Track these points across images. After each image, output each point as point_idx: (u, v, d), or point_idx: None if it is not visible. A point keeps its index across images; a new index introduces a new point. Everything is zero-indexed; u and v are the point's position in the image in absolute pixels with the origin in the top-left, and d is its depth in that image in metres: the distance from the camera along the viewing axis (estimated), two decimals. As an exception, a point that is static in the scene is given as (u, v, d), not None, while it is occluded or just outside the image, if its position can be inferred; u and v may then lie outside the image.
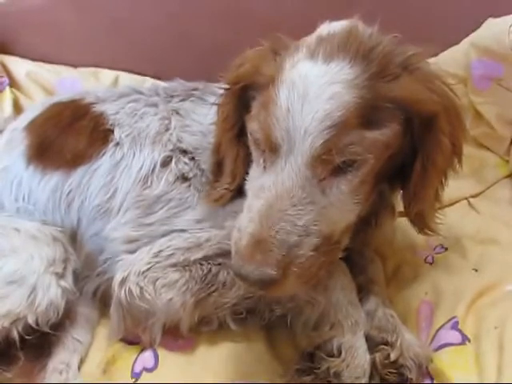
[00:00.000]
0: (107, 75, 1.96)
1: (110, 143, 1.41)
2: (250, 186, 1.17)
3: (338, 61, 1.04)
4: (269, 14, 1.92)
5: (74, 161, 1.40)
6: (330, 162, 1.02)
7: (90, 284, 1.45)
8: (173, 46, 1.99)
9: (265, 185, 1.06)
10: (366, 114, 1.02)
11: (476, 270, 1.41)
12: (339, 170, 1.04)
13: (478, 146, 1.72)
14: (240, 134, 1.25)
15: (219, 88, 1.40)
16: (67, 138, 1.42)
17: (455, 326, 1.25)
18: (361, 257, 1.41)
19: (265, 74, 1.12)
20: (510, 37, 1.58)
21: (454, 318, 1.27)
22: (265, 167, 1.11)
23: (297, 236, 1.01)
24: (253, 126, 1.11)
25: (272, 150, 1.06)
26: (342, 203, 1.07)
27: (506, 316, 1.23)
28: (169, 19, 1.98)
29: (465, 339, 1.22)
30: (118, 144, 1.41)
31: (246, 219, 1.05)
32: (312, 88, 1.02)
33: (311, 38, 1.12)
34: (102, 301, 1.46)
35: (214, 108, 1.36)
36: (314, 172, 1.03)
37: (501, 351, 1.16)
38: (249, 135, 1.16)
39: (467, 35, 1.78)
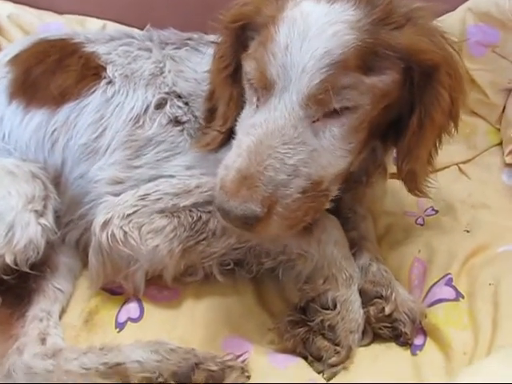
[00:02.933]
0: (94, 23, 1.87)
1: (101, 80, 1.35)
2: (241, 125, 1.14)
3: (342, 2, 1.03)
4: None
5: (60, 97, 1.34)
6: (325, 103, 1.01)
7: (73, 231, 1.39)
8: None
9: (256, 122, 1.04)
10: (366, 59, 1.01)
11: (468, 231, 1.41)
12: (333, 113, 1.03)
13: (469, 112, 1.70)
14: (235, 74, 1.22)
15: (214, 39, 1.39)
16: (54, 74, 1.36)
17: (449, 283, 1.24)
18: (353, 213, 1.39)
19: (266, 15, 1.10)
20: (511, 1, 1.56)
21: (448, 274, 1.26)
22: (257, 106, 1.09)
23: (285, 175, 1.00)
24: (249, 64, 1.09)
25: (267, 87, 1.04)
26: (334, 148, 1.06)
27: (501, 274, 1.23)
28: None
29: (458, 296, 1.22)
30: (110, 82, 1.35)
31: (234, 155, 1.03)
32: (313, 26, 1.00)
33: None
34: (85, 251, 1.39)
35: (208, 57, 1.34)
36: (307, 112, 1.02)
37: (496, 307, 1.16)
38: (244, 74, 1.14)
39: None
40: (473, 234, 1.40)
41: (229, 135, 1.23)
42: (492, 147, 1.71)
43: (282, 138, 1.00)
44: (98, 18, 1.90)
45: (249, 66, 1.09)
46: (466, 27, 1.68)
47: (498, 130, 1.72)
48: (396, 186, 1.55)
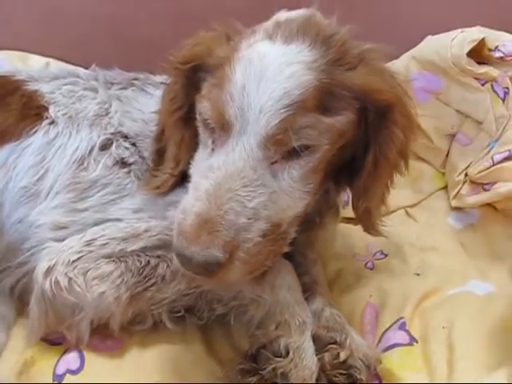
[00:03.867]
0: (36, 61, 1.82)
1: (43, 121, 1.30)
2: (196, 168, 1.12)
3: (298, 43, 1.04)
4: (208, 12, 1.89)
5: (0, 137, 1.27)
6: (284, 144, 1.00)
7: (8, 278, 1.30)
8: (108, 38, 1.91)
9: (214, 165, 1.02)
10: (323, 100, 1.01)
11: (418, 275, 1.41)
12: (292, 154, 1.03)
13: (415, 157, 1.73)
14: (186, 115, 1.20)
15: (161, 80, 1.39)
16: None
17: (403, 327, 1.23)
18: (303, 258, 1.37)
19: (218, 56, 1.09)
20: (452, 50, 1.62)
21: (401, 318, 1.25)
22: (213, 149, 1.08)
23: (246, 218, 0.98)
24: (203, 105, 1.07)
25: (224, 128, 1.02)
26: (293, 190, 1.05)
27: (453, 316, 1.23)
28: (106, 18, 1.91)
29: (412, 340, 1.21)
30: (52, 122, 1.30)
31: (192, 199, 1.00)
32: (270, 67, 1.00)
33: (268, 23, 1.11)
34: (21, 299, 1.31)
35: (156, 98, 1.33)
36: (266, 153, 1.01)
37: (451, 349, 1.15)
38: (197, 116, 1.13)
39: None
40: (423, 277, 1.40)
41: (180, 178, 1.22)
42: (437, 191, 1.75)
43: (241, 180, 0.98)
44: (40, 55, 1.84)
45: (204, 108, 1.07)
46: (411, 74, 1.73)
47: (443, 174, 1.76)
48: (345, 229, 1.57)
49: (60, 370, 1.20)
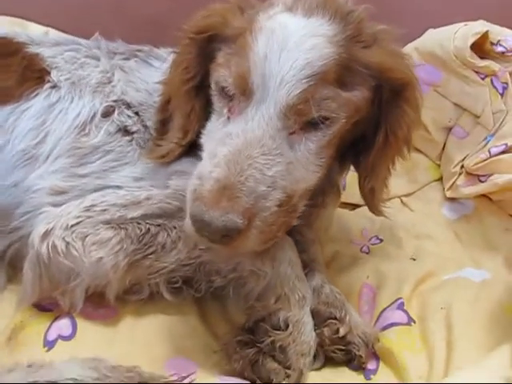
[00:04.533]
0: (36, 28, 1.78)
1: (45, 84, 1.27)
2: (209, 137, 1.12)
3: (318, 17, 1.05)
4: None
5: None
6: (304, 114, 1.01)
7: (-1, 242, 1.27)
8: (110, 12, 1.89)
9: (232, 132, 1.02)
10: (341, 74, 1.03)
11: (414, 259, 1.43)
12: (310, 126, 1.04)
13: (412, 148, 1.74)
14: (199, 86, 1.19)
15: (165, 53, 1.39)
16: None
17: (401, 307, 1.23)
18: (302, 236, 1.36)
19: (234, 27, 1.10)
20: (455, 43, 1.63)
21: (399, 299, 1.25)
22: (229, 118, 1.07)
23: (265, 186, 0.98)
24: (221, 74, 1.07)
25: (245, 94, 1.02)
26: (307, 161, 1.06)
27: (451, 298, 1.24)
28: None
29: (410, 321, 1.21)
30: (54, 86, 1.28)
31: (210, 165, 1.00)
32: (292, 38, 1.01)
33: None
34: (11, 265, 1.29)
35: (159, 71, 1.33)
36: (285, 123, 1.01)
37: (449, 329, 1.16)
38: (212, 85, 1.12)
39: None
40: (419, 262, 1.41)
41: (187, 148, 1.21)
42: (432, 182, 1.76)
43: (260, 148, 0.99)
44: (39, 23, 1.81)
45: (222, 76, 1.07)
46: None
47: (439, 165, 1.77)
48: (341, 214, 1.57)
49: (51, 336, 1.18)
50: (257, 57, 1.00)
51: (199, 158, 1.14)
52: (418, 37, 1.79)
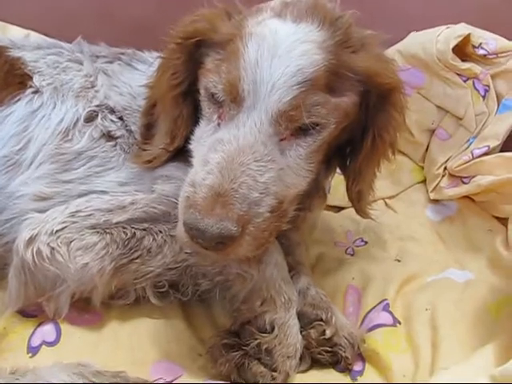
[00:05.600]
0: (16, 31, 1.77)
1: (27, 89, 1.26)
2: (199, 143, 1.12)
3: (307, 23, 1.05)
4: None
5: None
6: (295, 120, 1.02)
7: (-18, 250, 1.26)
8: (93, 16, 1.87)
9: (223, 138, 1.02)
10: (331, 80, 1.03)
11: (399, 261, 1.43)
12: (300, 132, 1.04)
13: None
14: (186, 91, 1.19)
15: (149, 56, 1.40)
16: None
17: (386, 308, 1.24)
18: (287, 240, 1.36)
19: (222, 32, 1.10)
20: (437, 46, 1.64)
21: (384, 300, 1.26)
22: (219, 124, 1.08)
23: (257, 193, 0.99)
24: (211, 79, 1.07)
25: (235, 102, 1.03)
26: (298, 167, 1.07)
27: (436, 299, 1.25)
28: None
29: (395, 322, 1.22)
30: (37, 92, 1.27)
31: (202, 172, 1.00)
32: (283, 44, 1.01)
33: (274, 2, 1.12)
34: (-5, 272, 1.28)
35: (143, 74, 1.33)
36: (276, 129, 1.02)
37: (434, 330, 1.17)
38: (202, 90, 1.12)
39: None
40: (403, 264, 1.42)
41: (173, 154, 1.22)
42: (416, 184, 1.77)
43: (253, 154, 0.99)
44: (20, 26, 1.79)
45: (211, 82, 1.06)
46: (394, 68, 1.75)
47: (422, 168, 1.78)
48: (326, 216, 1.58)
49: (35, 342, 1.17)
50: (248, 63, 1.00)
51: (184, 163, 1.15)
52: (400, 40, 1.80)
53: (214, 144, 1.02)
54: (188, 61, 1.16)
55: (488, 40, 1.65)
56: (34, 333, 1.18)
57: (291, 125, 1.02)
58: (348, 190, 1.23)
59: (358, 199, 1.23)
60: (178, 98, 1.19)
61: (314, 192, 1.30)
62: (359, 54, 1.08)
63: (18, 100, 1.25)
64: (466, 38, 1.64)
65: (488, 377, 0.83)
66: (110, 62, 1.38)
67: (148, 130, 1.26)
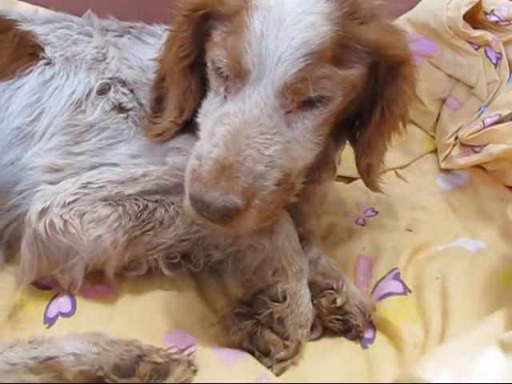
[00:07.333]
0: (25, 7, 1.76)
1: (39, 60, 1.26)
2: (206, 116, 1.12)
3: None
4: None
5: None
6: (302, 93, 1.01)
7: (-3, 221, 1.27)
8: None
9: (229, 111, 1.02)
10: (337, 52, 1.02)
11: (410, 230, 1.44)
12: (307, 105, 1.04)
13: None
14: (194, 64, 1.18)
15: (158, 29, 1.38)
16: None
17: (397, 277, 1.25)
18: (296, 210, 1.36)
19: (229, 4, 1.08)
20: (448, 13, 1.62)
21: (395, 269, 1.27)
22: (226, 97, 1.07)
23: (263, 166, 0.99)
24: (217, 53, 1.07)
25: (240, 76, 1.02)
26: (305, 140, 1.06)
27: (446, 268, 1.25)
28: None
29: (406, 290, 1.23)
30: (49, 63, 1.27)
31: (208, 145, 1.00)
32: (289, 15, 1.00)
33: None
34: (9, 245, 1.29)
35: (153, 47, 1.32)
36: (282, 102, 1.01)
37: (445, 298, 1.18)
38: (209, 63, 1.12)
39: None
40: (414, 233, 1.42)
41: (183, 127, 1.21)
42: (427, 154, 1.76)
43: (258, 127, 0.99)
44: (29, 2, 1.78)
45: (217, 55, 1.06)
46: (405, 37, 1.73)
47: (433, 137, 1.78)
48: (336, 187, 1.58)
49: (51, 313, 1.19)
50: (253, 35, 0.99)
51: (194, 135, 1.15)
52: (412, 7, 1.78)
53: (220, 117, 1.02)
54: (195, 33, 1.15)
55: (500, 6, 1.63)
56: (49, 304, 1.20)
57: (297, 98, 1.01)
58: (357, 162, 1.23)
59: (368, 172, 1.23)
60: (186, 70, 1.19)
61: (323, 165, 1.30)
62: (368, 26, 1.06)
63: (30, 72, 1.25)
64: (478, 5, 1.61)
65: (497, 342, 0.84)
66: (120, 36, 1.38)
67: (158, 103, 1.26)
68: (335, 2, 1.03)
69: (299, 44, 0.98)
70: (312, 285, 1.18)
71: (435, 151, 1.75)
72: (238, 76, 1.02)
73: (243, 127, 0.98)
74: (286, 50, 0.98)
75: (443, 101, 1.74)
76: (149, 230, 1.16)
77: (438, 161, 1.70)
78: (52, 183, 1.20)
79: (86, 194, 1.17)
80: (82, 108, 1.24)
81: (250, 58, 1.00)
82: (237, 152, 0.97)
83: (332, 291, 1.17)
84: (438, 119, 1.76)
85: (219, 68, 1.06)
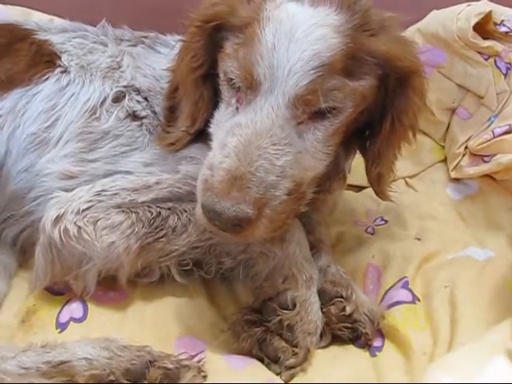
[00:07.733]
0: (40, 17, 1.78)
1: (56, 68, 1.29)
2: (218, 126, 1.13)
3: (325, 6, 1.05)
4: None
5: (8, 82, 1.26)
6: (312, 104, 1.02)
7: (11, 228, 1.29)
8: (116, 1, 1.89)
9: (241, 122, 1.03)
10: (348, 64, 1.03)
11: (419, 239, 1.44)
12: (317, 116, 1.05)
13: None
14: (206, 74, 1.20)
15: (171, 39, 1.40)
16: (1, 58, 1.28)
17: (406, 286, 1.26)
18: (308, 219, 1.38)
19: (241, 16, 1.10)
20: (458, 23, 1.63)
21: (404, 277, 1.28)
22: (237, 108, 1.09)
23: (274, 176, 1.00)
24: (229, 64, 1.08)
25: (251, 87, 1.04)
26: (315, 150, 1.08)
27: (455, 277, 1.26)
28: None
29: (415, 299, 1.23)
30: (65, 71, 1.30)
31: (220, 155, 1.01)
32: (300, 28, 1.01)
33: None
34: (22, 251, 1.32)
35: (166, 57, 1.34)
36: (293, 113, 1.03)
37: (453, 307, 1.18)
38: (221, 74, 1.14)
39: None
40: (424, 242, 1.43)
41: (195, 136, 1.23)
42: (437, 163, 1.76)
43: (270, 138, 1.00)
44: (44, 12, 1.81)
45: (229, 67, 1.08)
46: (415, 47, 1.74)
47: (442, 147, 1.78)
48: (346, 196, 1.59)
49: (63, 319, 1.21)
50: (265, 47, 1.01)
51: (207, 144, 1.16)
52: (422, 18, 1.78)
53: (231, 128, 1.04)
54: (208, 44, 1.17)
55: (510, 17, 1.62)
56: (62, 309, 1.22)
57: (308, 109, 1.03)
58: (367, 172, 1.24)
59: (378, 181, 1.24)
60: (198, 80, 1.21)
61: (334, 174, 1.31)
62: (378, 37, 1.07)
63: (47, 78, 1.27)
64: (488, 16, 1.62)
65: (505, 351, 0.84)
66: (134, 45, 1.41)
67: (171, 112, 1.28)
68: (346, 14, 1.05)
69: (310, 56, 1.00)
70: (321, 293, 1.19)
71: (445, 161, 1.75)
72: (249, 87, 1.04)
73: (255, 138, 1.00)
74: (296, 62, 1.00)
75: (453, 111, 1.75)
76: (161, 237, 1.17)
77: (448, 170, 1.70)
78: (66, 190, 1.22)
79: (100, 202, 1.19)
80: (97, 115, 1.26)
81: (261, 69, 1.01)
82: (248, 162, 0.98)
83: (341, 299, 1.18)
84: (447, 129, 1.77)
85: (231, 79, 1.08)
